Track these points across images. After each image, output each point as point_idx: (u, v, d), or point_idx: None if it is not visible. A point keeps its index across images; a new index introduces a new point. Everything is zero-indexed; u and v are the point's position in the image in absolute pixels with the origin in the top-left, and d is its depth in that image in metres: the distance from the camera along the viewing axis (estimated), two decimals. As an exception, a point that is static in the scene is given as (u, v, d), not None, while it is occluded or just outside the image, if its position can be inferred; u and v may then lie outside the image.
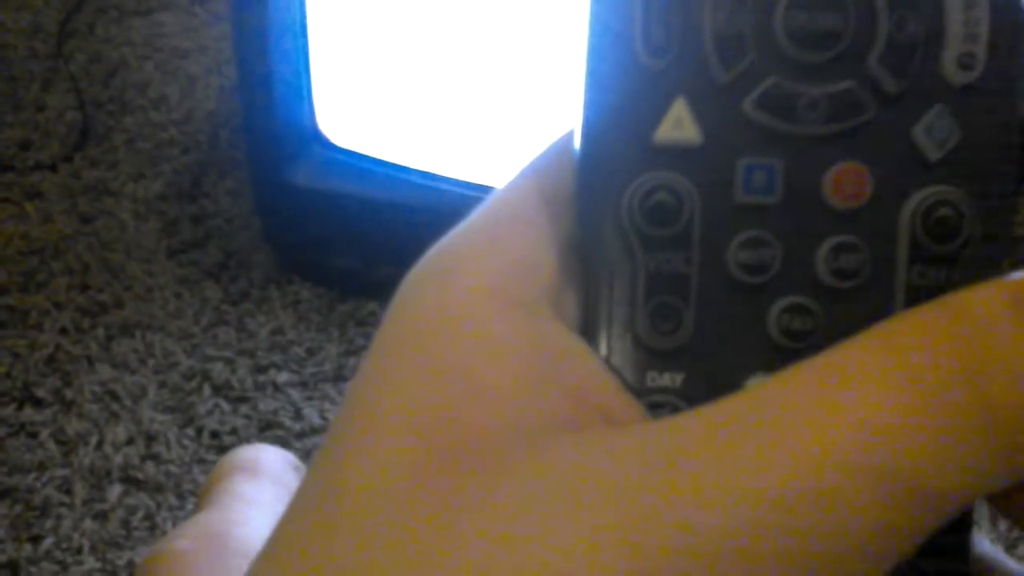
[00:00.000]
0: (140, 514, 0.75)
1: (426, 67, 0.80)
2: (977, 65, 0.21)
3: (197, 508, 0.29)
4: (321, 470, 0.20)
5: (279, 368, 0.84)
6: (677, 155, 0.21)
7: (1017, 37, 0.21)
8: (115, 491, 0.76)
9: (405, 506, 0.18)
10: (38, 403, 0.81)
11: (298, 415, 0.81)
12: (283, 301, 0.88)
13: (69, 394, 0.82)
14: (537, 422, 0.19)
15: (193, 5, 1.15)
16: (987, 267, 0.21)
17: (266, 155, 0.85)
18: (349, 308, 0.87)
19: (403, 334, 0.20)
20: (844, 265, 0.21)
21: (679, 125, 0.21)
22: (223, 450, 0.79)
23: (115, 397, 0.82)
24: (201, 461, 0.78)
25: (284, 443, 0.79)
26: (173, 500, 0.76)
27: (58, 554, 0.73)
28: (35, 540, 0.74)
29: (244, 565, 0.23)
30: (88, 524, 0.74)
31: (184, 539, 0.25)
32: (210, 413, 0.81)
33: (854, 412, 0.17)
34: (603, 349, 0.22)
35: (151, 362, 0.84)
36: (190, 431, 0.80)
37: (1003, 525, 0.71)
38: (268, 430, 0.80)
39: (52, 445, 0.79)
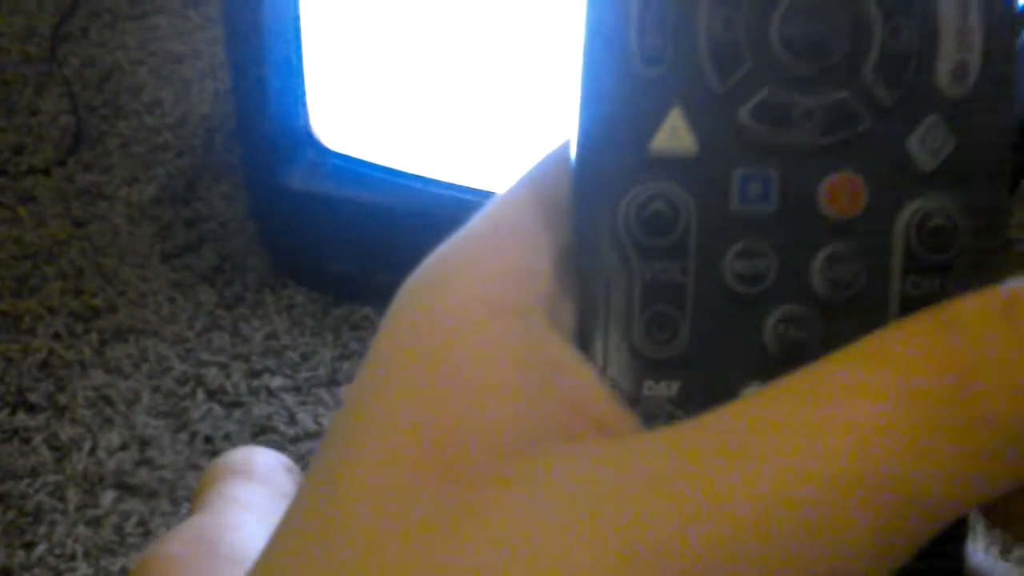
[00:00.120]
0: (134, 520, 0.75)
1: (420, 71, 0.80)
2: (971, 75, 0.21)
3: (190, 512, 0.29)
4: (319, 475, 0.20)
5: (273, 373, 0.84)
6: (673, 165, 0.21)
7: (1011, 46, 0.21)
8: (108, 497, 0.76)
9: (404, 512, 0.18)
10: (31, 408, 0.81)
11: (292, 420, 0.81)
12: (277, 305, 0.88)
13: (62, 399, 0.81)
14: (533, 431, 0.19)
15: (187, 9, 1.15)
16: (981, 276, 0.21)
17: (260, 159, 0.85)
18: (343, 312, 0.87)
19: (400, 342, 0.20)
20: (839, 275, 0.21)
21: (675, 135, 0.21)
22: (217, 455, 0.78)
23: (109, 402, 0.81)
24: (195, 466, 0.77)
25: (278, 448, 0.79)
26: (167, 506, 0.76)
27: (51, 560, 0.73)
28: (28, 546, 0.73)
29: (236, 570, 0.23)
30: (81, 530, 0.74)
31: (176, 543, 0.25)
32: (204, 418, 0.81)
33: (847, 423, 0.17)
34: (599, 358, 0.22)
35: (145, 367, 0.84)
36: (184, 436, 0.80)
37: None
38: (262, 435, 0.80)
39: (45, 451, 0.78)
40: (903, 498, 0.17)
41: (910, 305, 0.21)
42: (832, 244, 0.21)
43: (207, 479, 0.29)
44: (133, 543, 0.73)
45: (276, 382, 0.83)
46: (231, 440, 0.79)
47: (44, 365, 0.84)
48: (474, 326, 0.20)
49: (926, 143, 0.21)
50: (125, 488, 0.77)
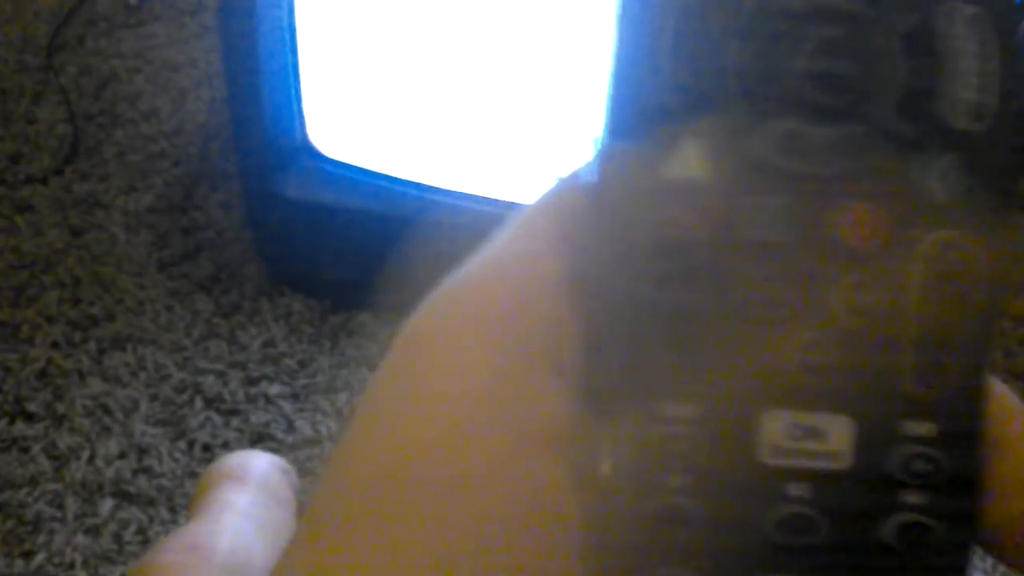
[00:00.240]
0: (132, 528, 0.75)
1: (416, 78, 0.80)
2: (987, 114, 0.22)
3: (187, 519, 0.29)
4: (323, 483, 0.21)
5: (271, 380, 0.84)
6: (691, 192, 0.22)
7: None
8: (107, 505, 0.76)
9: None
10: (29, 417, 0.81)
11: (290, 427, 0.81)
12: (275, 313, 0.88)
13: (61, 408, 0.81)
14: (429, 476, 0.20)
15: (183, 17, 1.16)
16: (993, 309, 0.22)
17: (256, 167, 0.85)
18: (341, 320, 0.87)
19: (387, 397, 0.22)
20: (856, 303, 0.22)
21: (696, 162, 0.22)
22: (215, 463, 0.78)
23: (107, 411, 0.81)
24: (193, 474, 0.77)
25: (276, 455, 0.79)
26: (165, 514, 0.76)
27: (50, 569, 0.73)
28: (27, 555, 0.73)
29: None
30: (80, 539, 0.74)
31: (170, 552, 0.25)
32: (202, 426, 0.81)
33: None
34: (612, 380, 0.22)
35: (143, 375, 0.84)
36: (182, 444, 0.80)
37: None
38: (260, 442, 0.80)
39: (44, 459, 0.78)
40: None
41: (925, 334, 0.22)
42: (850, 273, 0.22)
43: (203, 485, 0.29)
44: (132, 551, 0.73)
45: (274, 390, 0.83)
46: (229, 448, 0.79)
47: (42, 374, 0.84)
48: (458, 352, 0.21)
49: (943, 177, 0.22)
50: (123, 496, 0.77)
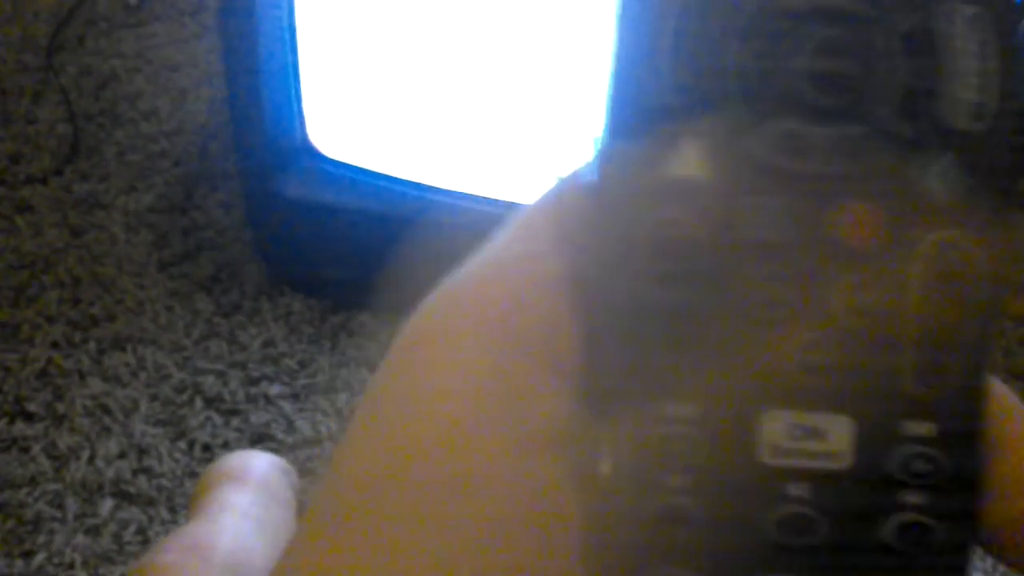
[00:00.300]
0: (132, 528, 0.75)
1: (416, 78, 0.80)
2: (987, 114, 0.22)
3: (188, 519, 0.29)
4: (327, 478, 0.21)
5: (271, 380, 0.84)
6: (691, 191, 0.22)
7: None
8: (107, 505, 0.76)
9: None
10: (29, 417, 0.81)
11: (290, 427, 0.81)
12: (275, 313, 0.88)
13: (61, 408, 0.81)
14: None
15: (183, 17, 1.16)
16: (992, 309, 0.22)
17: (256, 167, 0.85)
18: (341, 319, 0.87)
19: (397, 361, 0.22)
20: (857, 303, 0.22)
21: (697, 162, 0.22)
22: (215, 463, 0.78)
23: (107, 411, 0.81)
24: (193, 474, 0.77)
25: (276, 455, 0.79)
26: (165, 514, 0.76)
27: (50, 569, 0.73)
28: (27, 555, 0.73)
29: None
30: (80, 539, 0.74)
31: (169, 552, 0.25)
32: (202, 426, 0.81)
33: None
34: (612, 381, 0.22)
35: (143, 375, 0.84)
36: (182, 444, 0.80)
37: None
38: (260, 443, 0.80)
39: (44, 459, 0.78)
40: None
41: (925, 334, 0.22)
42: (850, 273, 0.22)
43: (203, 485, 0.29)
44: (132, 551, 0.73)
45: (274, 390, 0.83)
46: (229, 448, 0.79)
47: (42, 374, 0.84)
48: (457, 354, 0.21)
49: (943, 177, 0.22)
50: (124, 496, 0.77)
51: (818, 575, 0.22)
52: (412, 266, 0.22)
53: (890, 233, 0.22)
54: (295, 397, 0.82)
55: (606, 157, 0.22)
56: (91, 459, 0.78)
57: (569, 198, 0.23)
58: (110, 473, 0.77)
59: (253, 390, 0.83)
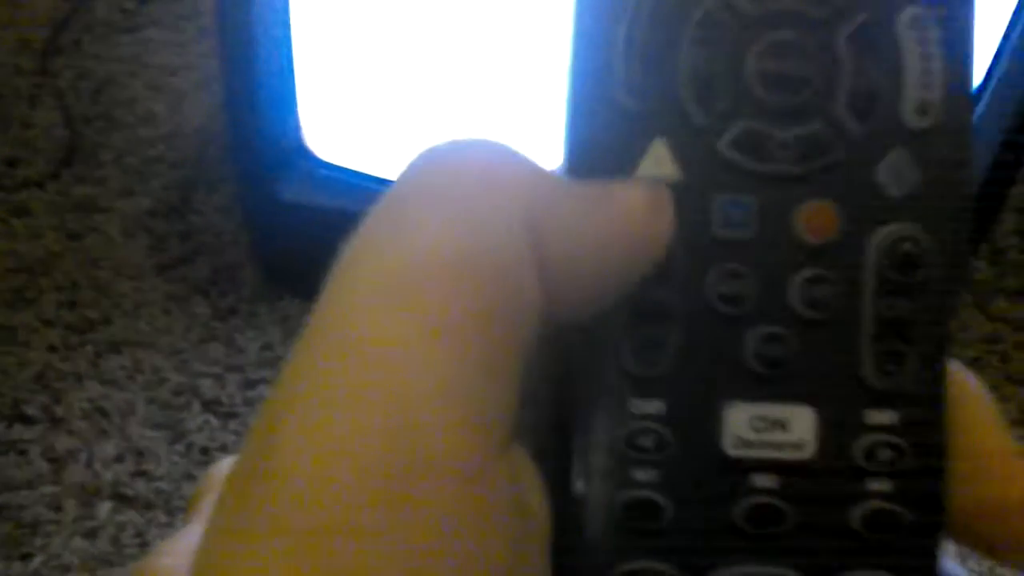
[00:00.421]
0: (130, 531, 0.75)
1: (412, 80, 0.80)
2: (933, 111, 0.23)
3: (185, 522, 0.29)
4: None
5: (268, 383, 0.84)
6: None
7: (969, 84, 0.23)
8: (105, 508, 0.76)
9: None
10: (27, 420, 0.81)
11: (288, 430, 0.81)
12: (272, 316, 0.88)
13: (58, 411, 0.82)
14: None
15: (180, 21, 1.16)
16: (947, 298, 0.23)
17: (253, 171, 0.85)
18: (338, 322, 0.87)
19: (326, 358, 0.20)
20: (816, 296, 0.22)
21: (658, 163, 0.22)
22: (213, 466, 0.79)
23: (104, 414, 0.82)
24: (191, 477, 0.78)
25: (274, 458, 0.79)
26: (163, 517, 0.76)
27: (48, 572, 0.73)
28: (25, 558, 0.74)
29: None
30: (78, 542, 0.74)
31: (168, 556, 0.25)
32: (200, 429, 0.81)
33: None
34: (587, 377, 0.22)
35: (140, 378, 0.84)
36: (180, 447, 0.80)
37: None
38: (258, 445, 0.80)
39: (42, 462, 0.79)
40: None
41: (883, 325, 0.23)
42: (809, 267, 0.22)
43: (201, 489, 0.29)
44: (130, 554, 0.74)
45: (271, 392, 0.83)
46: (227, 450, 0.79)
47: (40, 377, 0.84)
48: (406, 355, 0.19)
49: (894, 172, 0.23)
50: (121, 499, 0.77)
51: (788, 564, 0.22)
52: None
53: (845, 228, 0.22)
54: (292, 400, 0.83)
55: (570, 158, 0.23)
56: (89, 462, 0.79)
57: (542, 182, 0.22)
58: (108, 476, 0.78)
59: (251, 393, 0.83)
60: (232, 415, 0.82)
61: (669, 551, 0.22)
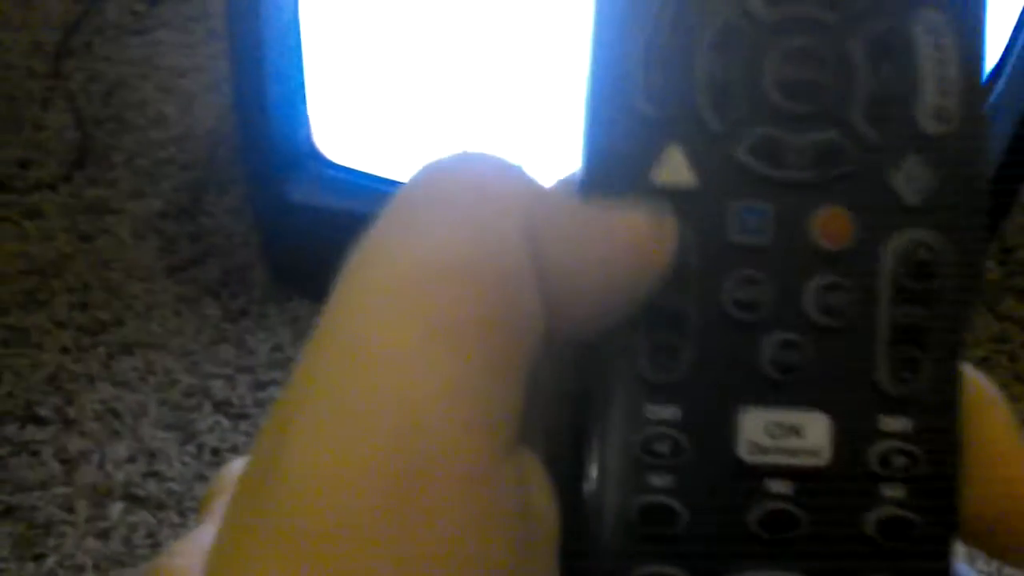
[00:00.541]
0: (142, 532, 0.75)
1: (422, 82, 0.80)
2: (950, 117, 0.23)
3: (197, 523, 0.29)
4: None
5: (279, 385, 0.84)
6: (674, 197, 0.22)
7: (986, 92, 0.23)
8: (117, 509, 0.76)
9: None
10: (40, 422, 0.82)
11: (298, 431, 0.81)
12: (282, 318, 0.88)
13: (71, 412, 0.82)
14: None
15: (190, 23, 1.16)
16: (963, 305, 0.23)
17: (263, 172, 0.85)
18: (348, 323, 0.87)
19: (333, 357, 0.20)
20: (831, 303, 0.22)
21: (675, 169, 0.22)
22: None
23: (116, 415, 0.82)
24: (202, 478, 0.78)
25: (285, 459, 0.79)
26: (175, 517, 0.76)
27: (61, 573, 0.73)
28: (38, 559, 0.74)
29: None
30: (90, 542, 0.75)
31: (180, 556, 0.25)
32: (211, 430, 0.81)
33: None
34: (602, 383, 0.22)
35: (152, 380, 0.84)
36: (191, 448, 0.80)
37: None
38: (269, 446, 0.80)
39: (54, 463, 0.79)
40: None
41: (898, 332, 0.23)
42: (824, 273, 0.22)
43: (213, 489, 0.30)
44: (142, 554, 0.74)
45: (282, 393, 0.83)
46: (238, 452, 0.80)
47: (52, 379, 0.84)
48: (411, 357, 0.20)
49: (910, 179, 0.23)
50: (133, 500, 0.77)
51: (802, 569, 0.22)
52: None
53: (861, 234, 0.22)
54: (303, 401, 0.83)
55: (587, 164, 0.23)
56: (101, 463, 0.79)
57: (541, 198, 0.22)
58: (120, 477, 0.78)
59: (261, 394, 0.83)
60: (243, 416, 0.82)
61: (683, 556, 0.22)
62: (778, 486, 0.22)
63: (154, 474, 0.78)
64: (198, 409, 0.82)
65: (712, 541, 0.22)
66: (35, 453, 0.80)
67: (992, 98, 0.76)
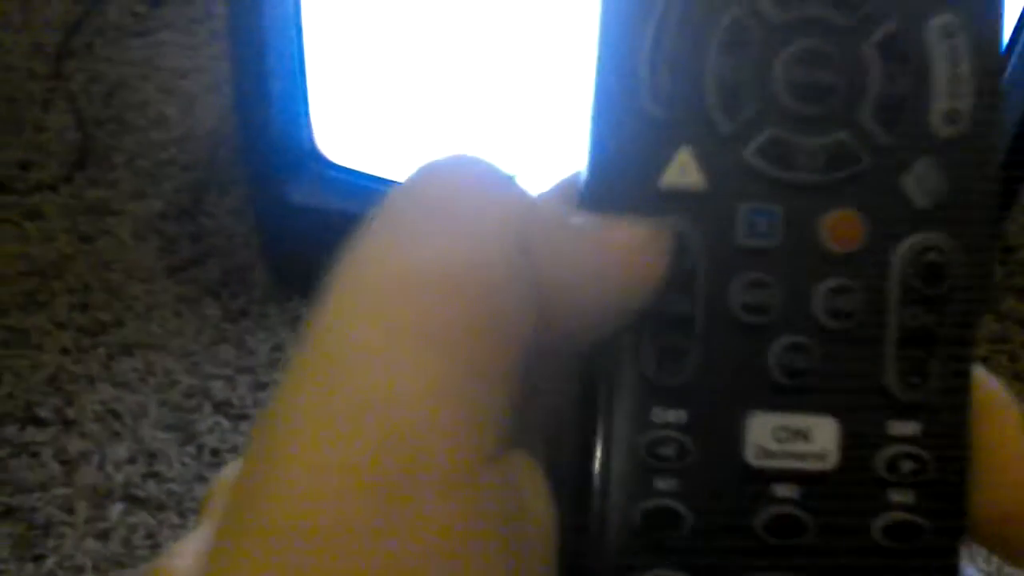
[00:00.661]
0: (142, 532, 0.75)
1: (423, 83, 0.80)
2: (962, 120, 0.22)
3: (197, 524, 0.29)
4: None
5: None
6: (682, 200, 0.22)
7: (999, 94, 0.23)
8: (117, 510, 0.76)
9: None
10: (40, 423, 0.82)
11: (299, 432, 0.81)
12: (282, 318, 0.88)
13: (71, 413, 0.82)
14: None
15: (192, 24, 1.16)
16: (975, 307, 0.22)
17: (264, 173, 0.85)
18: (349, 324, 0.87)
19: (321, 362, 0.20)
20: (840, 306, 0.22)
21: (684, 171, 0.22)
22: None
23: (116, 416, 0.82)
24: (202, 479, 0.78)
25: (285, 460, 0.79)
26: (175, 518, 0.76)
27: (61, 573, 0.73)
28: (37, 560, 0.74)
29: None
30: (90, 543, 0.75)
31: (180, 557, 0.25)
32: (211, 431, 0.81)
33: None
34: (607, 386, 0.22)
35: (152, 381, 0.84)
36: (191, 449, 0.80)
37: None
38: (269, 447, 0.80)
39: (54, 464, 0.79)
40: None
41: (907, 335, 0.22)
42: (833, 276, 0.22)
43: (213, 491, 0.30)
44: (141, 555, 0.74)
45: (282, 394, 0.83)
46: (238, 452, 0.80)
47: (52, 380, 0.84)
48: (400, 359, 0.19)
49: (921, 182, 0.22)
50: (133, 501, 0.77)
51: (808, 574, 0.22)
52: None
53: (870, 237, 0.22)
54: (303, 402, 0.83)
55: (593, 166, 0.23)
56: (101, 464, 0.79)
57: (534, 209, 0.22)
58: (120, 478, 0.78)
59: (261, 395, 0.83)
60: (243, 417, 0.82)
61: (689, 560, 0.22)
62: (784, 490, 0.22)
63: (154, 475, 0.78)
64: (198, 410, 0.82)
65: (717, 545, 0.22)
66: (35, 454, 0.80)
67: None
